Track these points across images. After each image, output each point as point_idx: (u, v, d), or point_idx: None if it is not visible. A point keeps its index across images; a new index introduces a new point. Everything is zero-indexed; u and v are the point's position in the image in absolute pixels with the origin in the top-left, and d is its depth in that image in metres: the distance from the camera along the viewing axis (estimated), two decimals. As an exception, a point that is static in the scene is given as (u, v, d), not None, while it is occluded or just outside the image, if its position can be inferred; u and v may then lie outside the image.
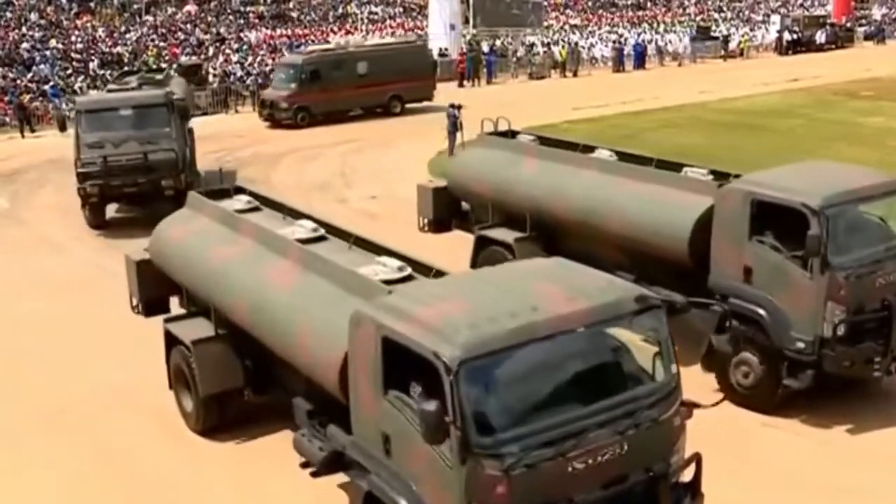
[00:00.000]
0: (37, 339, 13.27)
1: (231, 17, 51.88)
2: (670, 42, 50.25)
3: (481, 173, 14.14)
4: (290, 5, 55.22)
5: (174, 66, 37.77)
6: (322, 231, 9.85)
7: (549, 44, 47.48)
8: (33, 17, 45.10)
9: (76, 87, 35.65)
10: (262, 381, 9.89)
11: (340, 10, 56.12)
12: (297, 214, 10.63)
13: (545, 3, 57.52)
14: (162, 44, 44.23)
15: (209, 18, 50.69)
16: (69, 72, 37.82)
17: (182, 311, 11.16)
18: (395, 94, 32.48)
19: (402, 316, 6.68)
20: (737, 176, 11.23)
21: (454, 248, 14.32)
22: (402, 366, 6.61)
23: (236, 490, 9.36)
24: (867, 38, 56.12)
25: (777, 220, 10.07)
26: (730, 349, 10.20)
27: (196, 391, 10.02)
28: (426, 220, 15.31)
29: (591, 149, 13.67)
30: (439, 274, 8.25)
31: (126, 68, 33.92)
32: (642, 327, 6.90)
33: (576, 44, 47.31)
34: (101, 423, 10.78)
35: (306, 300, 8.42)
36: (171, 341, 10.47)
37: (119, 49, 42.23)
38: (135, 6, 49.94)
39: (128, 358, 12.25)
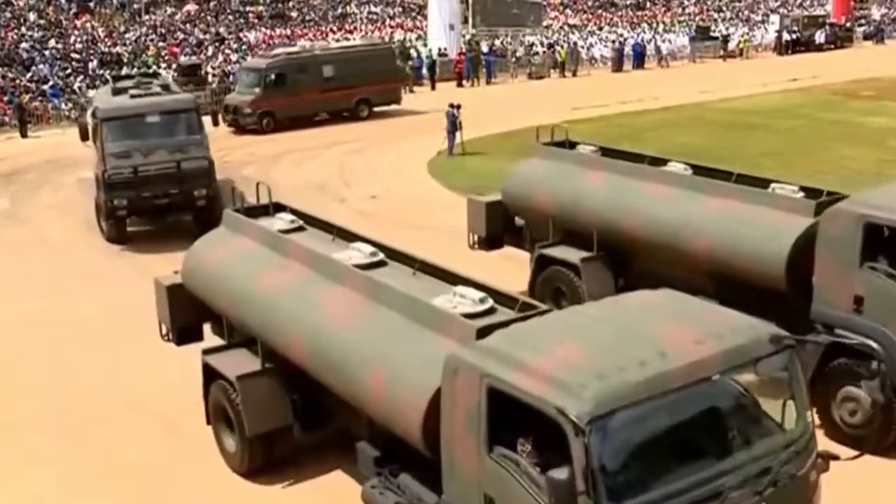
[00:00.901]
0: (37, 339, 13.23)
1: (230, 17, 51.92)
2: (669, 41, 50.29)
3: (541, 187, 13.18)
4: (290, 5, 55.24)
5: (174, 66, 37.84)
6: (381, 255, 8.90)
7: (550, 44, 47.52)
8: (33, 17, 45.10)
9: (75, 86, 35.70)
10: (313, 418, 9.14)
11: (340, 10, 56.17)
12: (347, 235, 9.72)
13: (545, 3, 57.61)
14: (161, 44, 44.30)
15: (209, 18, 50.73)
16: (68, 72, 37.85)
17: (217, 339, 10.37)
18: (363, 97, 31.80)
19: (511, 363, 5.93)
20: (830, 194, 10.46)
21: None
22: (508, 419, 5.94)
23: (237, 492, 9.35)
24: (866, 38, 56.21)
25: (892, 245, 9.31)
26: (881, 397, 9.11)
27: (241, 431, 9.14)
28: (477, 237, 14.12)
29: (659, 161, 12.85)
30: (526, 306, 7.28)
31: (124, 70, 33.79)
32: (771, 369, 6.27)
33: (575, 44, 47.38)
34: (101, 423, 10.73)
35: (375, 336, 7.55)
36: (211, 375, 9.52)
37: (119, 49, 42.29)
38: (134, 6, 49.96)
39: (129, 358, 12.21)
